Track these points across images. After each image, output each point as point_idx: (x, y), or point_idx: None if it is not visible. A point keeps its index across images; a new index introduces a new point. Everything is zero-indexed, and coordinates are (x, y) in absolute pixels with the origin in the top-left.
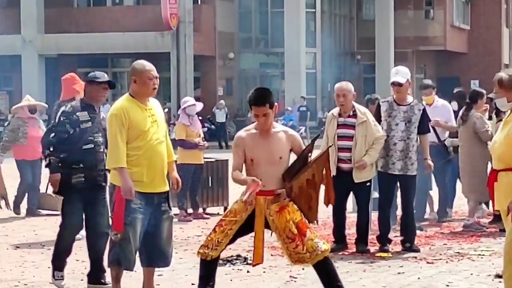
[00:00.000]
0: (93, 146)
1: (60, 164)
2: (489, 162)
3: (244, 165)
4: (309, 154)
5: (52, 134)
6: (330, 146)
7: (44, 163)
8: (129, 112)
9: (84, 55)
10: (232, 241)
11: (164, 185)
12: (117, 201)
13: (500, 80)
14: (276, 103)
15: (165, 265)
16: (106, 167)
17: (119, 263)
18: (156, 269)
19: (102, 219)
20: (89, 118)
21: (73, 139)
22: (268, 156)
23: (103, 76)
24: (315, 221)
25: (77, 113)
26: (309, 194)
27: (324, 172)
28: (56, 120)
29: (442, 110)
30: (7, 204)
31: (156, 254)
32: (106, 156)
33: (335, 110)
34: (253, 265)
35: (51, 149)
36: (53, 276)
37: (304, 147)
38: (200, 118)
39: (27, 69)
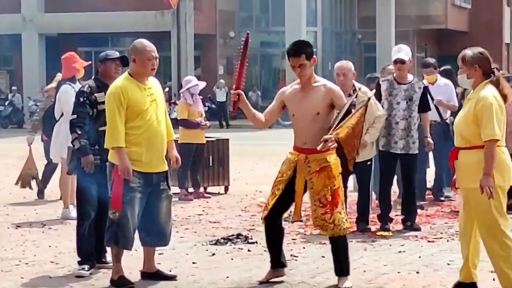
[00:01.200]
0: None
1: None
2: None
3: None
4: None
5: (74, 116)
6: (370, 98)
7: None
8: (128, 91)
9: (85, 34)
10: (284, 203)
11: (163, 164)
12: (116, 179)
13: (463, 56)
14: (314, 56)
15: (164, 244)
16: (105, 147)
17: (117, 241)
18: (156, 248)
19: (108, 198)
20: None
21: (91, 120)
22: (305, 111)
23: (115, 54)
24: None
25: (95, 94)
26: (353, 142)
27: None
28: (75, 101)
29: (445, 89)
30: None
31: (154, 234)
32: None
33: None
34: (292, 222)
35: (79, 131)
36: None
37: (344, 100)
38: (201, 97)
39: (27, 48)
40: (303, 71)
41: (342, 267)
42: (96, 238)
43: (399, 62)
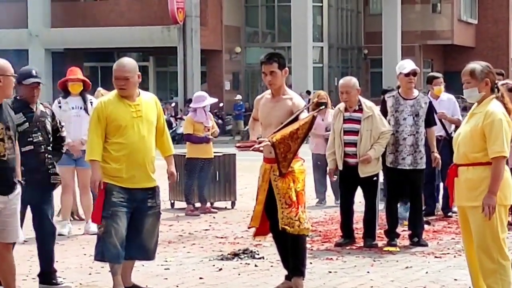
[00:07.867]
0: (32, 147)
1: None
2: None
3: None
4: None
5: None
6: (322, 104)
7: None
8: (109, 107)
9: (91, 49)
10: (270, 213)
11: (149, 181)
12: (98, 194)
13: (473, 70)
14: (286, 68)
15: (145, 259)
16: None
17: (103, 256)
18: (163, 262)
19: (48, 219)
20: (25, 119)
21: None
22: (271, 121)
23: (31, 75)
24: (284, 172)
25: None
26: (288, 144)
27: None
28: None
29: (448, 103)
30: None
31: (135, 247)
32: (48, 155)
33: (342, 105)
34: (248, 227)
35: None
36: None
37: (304, 114)
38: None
39: (33, 63)
40: (274, 78)
41: (300, 266)
42: (44, 258)
43: (412, 73)
